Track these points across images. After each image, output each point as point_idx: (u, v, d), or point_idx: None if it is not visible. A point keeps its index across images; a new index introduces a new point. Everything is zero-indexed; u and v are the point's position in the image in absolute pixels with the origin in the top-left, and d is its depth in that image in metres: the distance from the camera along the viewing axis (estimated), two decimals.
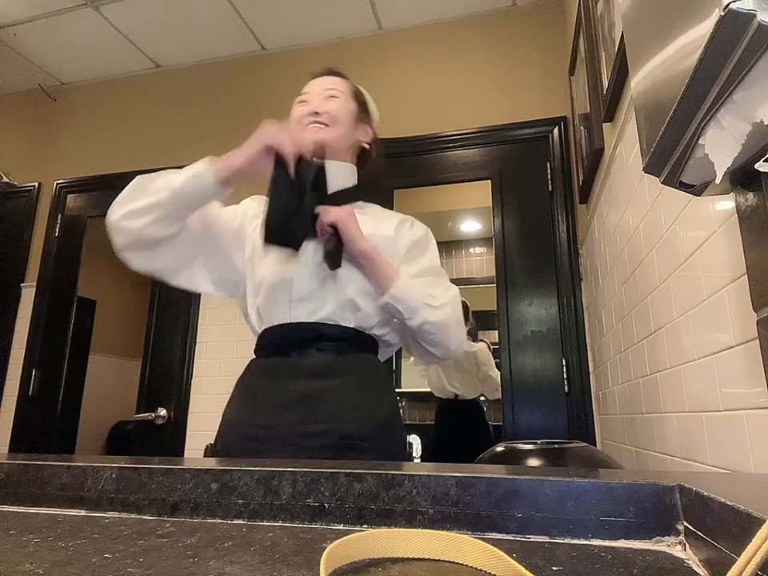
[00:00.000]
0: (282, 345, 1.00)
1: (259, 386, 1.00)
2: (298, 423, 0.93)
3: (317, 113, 1.07)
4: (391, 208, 2.45)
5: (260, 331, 1.05)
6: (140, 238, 0.96)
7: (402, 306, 0.98)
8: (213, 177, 0.91)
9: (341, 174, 1.09)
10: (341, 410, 0.94)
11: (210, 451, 1.01)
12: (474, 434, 3.11)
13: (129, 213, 0.94)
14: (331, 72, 1.18)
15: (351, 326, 1.01)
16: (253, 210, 1.12)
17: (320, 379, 0.96)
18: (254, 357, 1.07)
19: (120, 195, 0.97)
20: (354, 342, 1.01)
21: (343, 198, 1.08)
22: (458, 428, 3.12)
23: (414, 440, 1.04)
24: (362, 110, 1.16)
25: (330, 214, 0.99)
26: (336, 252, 0.99)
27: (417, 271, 1.05)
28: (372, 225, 1.06)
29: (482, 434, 3.12)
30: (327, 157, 1.02)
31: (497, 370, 3.27)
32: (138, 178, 0.96)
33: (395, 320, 1.05)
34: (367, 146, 1.16)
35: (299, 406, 0.94)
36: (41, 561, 0.37)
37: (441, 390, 3.22)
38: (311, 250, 1.02)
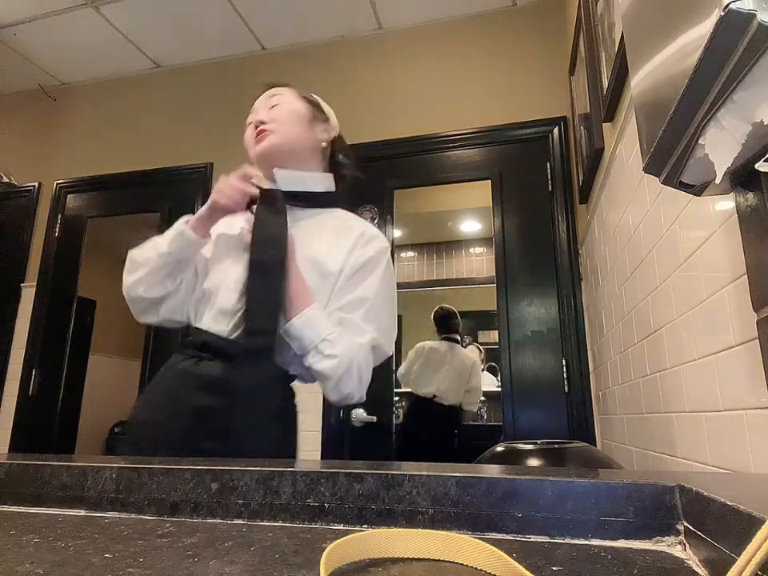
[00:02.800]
0: (196, 351, 0.99)
1: (166, 388, 1.00)
2: (196, 438, 0.91)
3: (261, 122, 1.06)
4: (391, 208, 2.46)
5: (190, 326, 1.06)
6: (150, 300, 1.06)
7: (295, 344, 0.95)
8: (191, 231, 1.03)
9: (291, 183, 1.06)
10: (238, 432, 0.92)
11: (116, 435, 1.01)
12: (439, 438, 3.08)
13: (132, 284, 1.06)
14: (273, 85, 1.15)
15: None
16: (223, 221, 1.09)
17: (224, 396, 0.93)
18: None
19: (123, 275, 1.09)
20: (264, 365, 0.97)
21: (296, 200, 1.06)
22: (427, 429, 3.09)
23: None
24: (316, 110, 1.13)
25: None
26: None
27: (345, 302, 0.99)
28: (322, 243, 1.03)
29: (446, 439, 3.10)
30: (281, 165, 1.05)
31: (481, 385, 3.28)
32: (129, 253, 1.08)
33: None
34: (324, 144, 1.12)
35: (199, 420, 0.92)
36: (41, 561, 0.37)
37: (422, 387, 3.19)
38: (243, 266, 1.00)
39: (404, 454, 2.85)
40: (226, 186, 1.02)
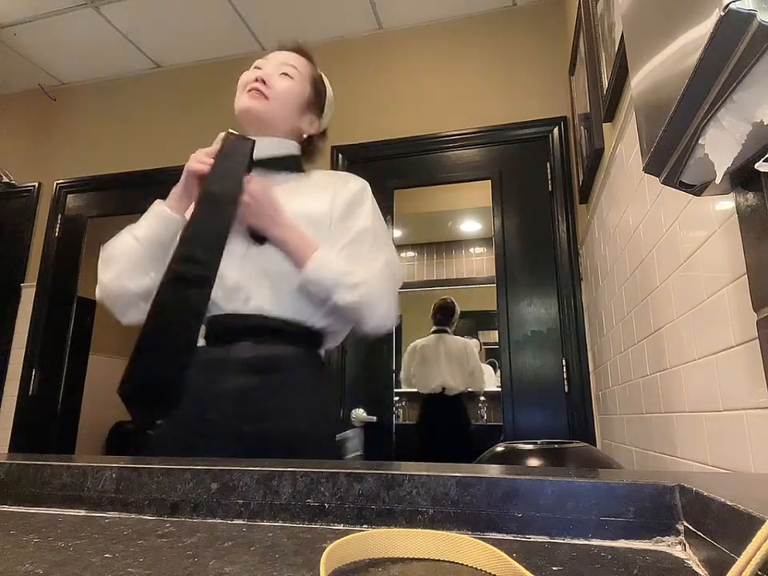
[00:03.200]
0: (216, 336, 0.99)
1: (196, 379, 0.96)
2: (239, 422, 0.91)
3: (262, 81, 1.03)
4: (391, 208, 2.46)
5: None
6: (135, 294, 0.99)
7: (316, 287, 0.95)
8: (170, 210, 1.00)
9: (271, 146, 1.06)
10: (278, 409, 0.93)
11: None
12: (457, 429, 3.13)
13: (113, 278, 0.99)
14: (298, 49, 1.13)
15: (286, 316, 0.97)
16: None
17: (257, 375, 0.94)
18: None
19: (99, 273, 1.01)
20: (289, 335, 0.98)
21: (273, 165, 1.06)
22: (443, 423, 3.14)
23: (350, 433, 1.05)
24: (316, 99, 1.12)
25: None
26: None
27: (347, 240, 1.01)
28: (305, 198, 1.04)
29: (463, 429, 3.15)
30: (257, 128, 1.04)
31: (481, 366, 3.32)
32: (103, 248, 1.02)
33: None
34: (305, 137, 1.13)
35: (239, 403, 0.92)
36: (41, 561, 0.37)
37: (427, 385, 3.22)
38: (241, 237, 1.00)
39: (426, 452, 2.89)
40: (201, 153, 0.99)
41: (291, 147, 1.10)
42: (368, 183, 1.10)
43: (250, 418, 0.92)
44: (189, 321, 0.93)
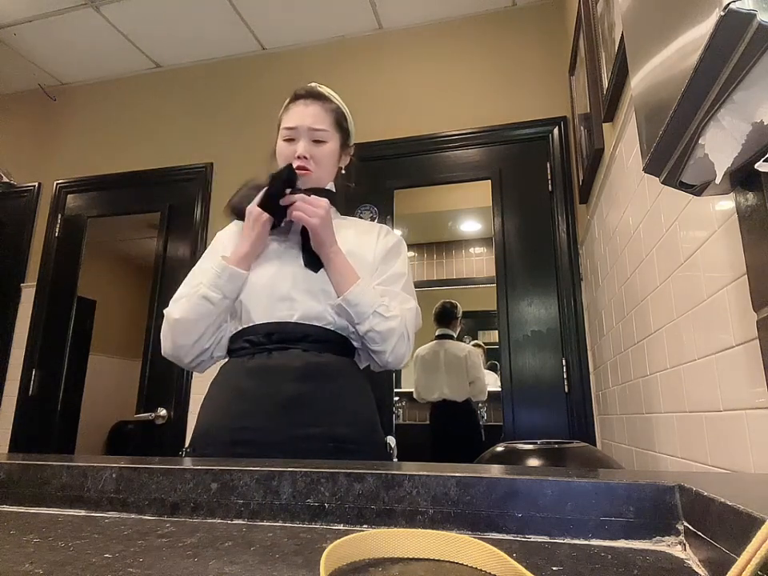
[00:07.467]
0: (262, 344, 1.01)
1: (243, 388, 1.00)
2: (289, 427, 0.94)
3: (304, 157, 1.09)
4: (391, 208, 2.46)
5: (235, 330, 1.06)
6: (209, 349, 1.07)
7: (354, 310, 1.00)
8: (241, 271, 1.03)
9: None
10: (330, 414, 0.97)
11: (187, 455, 1.01)
12: (465, 434, 3.12)
13: (194, 344, 1.04)
14: (314, 95, 1.15)
15: (330, 328, 1.03)
16: (227, 234, 1.17)
17: (308, 382, 0.98)
18: (229, 357, 1.08)
19: (170, 339, 1.07)
20: (334, 345, 1.03)
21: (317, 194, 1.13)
22: (451, 428, 3.14)
23: (391, 440, 1.11)
24: (345, 138, 1.18)
25: (306, 211, 1.03)
26: (313, 254, 1.05)
27: (384, 279, 1.09)
28: (354, 239, 1.12)
29: (473, 434, 3.14)
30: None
31: (483, 374, 3.31)
32: (171, 312, 1.06)
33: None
34: (343, 171, 1.21)
35: (289, 409, 0.95)
36: (41, 561, 0.37)
37: (428, 394, 3.23)
38: (294, 250, 1.07)
39: (438, 455, 2.90)
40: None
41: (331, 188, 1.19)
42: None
43: (300, 423, 0.94)
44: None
